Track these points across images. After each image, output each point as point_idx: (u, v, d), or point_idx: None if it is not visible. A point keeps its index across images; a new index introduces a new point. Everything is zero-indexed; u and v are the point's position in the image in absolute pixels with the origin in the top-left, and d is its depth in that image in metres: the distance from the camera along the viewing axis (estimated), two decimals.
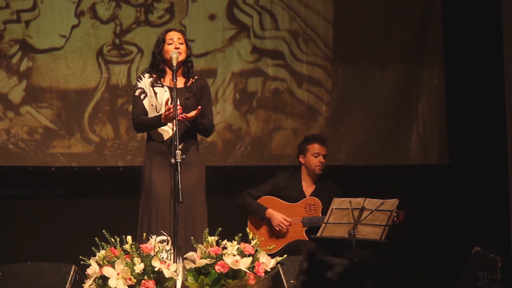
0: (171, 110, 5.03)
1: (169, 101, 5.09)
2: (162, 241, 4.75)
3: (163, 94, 5.26)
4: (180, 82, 5.31)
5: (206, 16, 7.23)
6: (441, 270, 7.27)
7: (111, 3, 7.04)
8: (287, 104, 7.40)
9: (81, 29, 6.98)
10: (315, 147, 6.21)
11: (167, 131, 5.24)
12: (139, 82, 5.33)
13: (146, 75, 5.34)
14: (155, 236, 4.79)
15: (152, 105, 5.27)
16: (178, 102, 5.10)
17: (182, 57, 5.26)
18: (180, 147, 5.02)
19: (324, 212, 5.98)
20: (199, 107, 5.15)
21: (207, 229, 4.86)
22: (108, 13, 7.04)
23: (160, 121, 5.17)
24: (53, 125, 6.92)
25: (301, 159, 6.27)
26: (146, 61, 6.82)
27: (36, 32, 6.89)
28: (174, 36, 5.31)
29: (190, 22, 7.17)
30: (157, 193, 5.15)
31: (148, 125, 5.29)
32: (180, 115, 5.05)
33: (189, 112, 5.16)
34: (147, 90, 5.29)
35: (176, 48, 5.24)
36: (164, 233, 4.82)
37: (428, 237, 7.36)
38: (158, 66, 5.32)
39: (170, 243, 4.78)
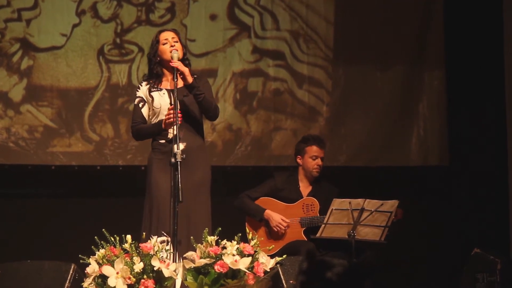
0: (171, 115, 5.02)
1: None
2: (162, 242, 4.75)
3: (160, 97, 5.26)
4: (179, 82, 5.26)
5: (207, 16, 7.23)
6: (441, 271, 7.26)
7: (112, 2, 7.04)
8: (288, 105, 7.40)
9: (82, 28, 6.98)
10: (314, 150, 6.17)
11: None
12: (138, 91, 5.35)
13: (144, 83, 5.34)
14: (156, 236, 4.79)
15: (153, 110, 5.28)
16: (178, 106, 5.08)
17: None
18: (183, 147, 5.00)
19: (321, 212, 5.97)
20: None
21: (206, 229, 4.85)
22: (109, 12, 7.04)
23: (160, 127, 5.17)
24: (53, 124, 6.92)
25: (298, 160, 6.24)
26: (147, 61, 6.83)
27: (37, 31, 6.89)
28: (168, 36, 5.29)
29: (191, 21, 7.17)
30: (159, 194, 5.15)
31: (147, 132, 5.31)
32: (175, 64, 5.07)
33: (188, 110, 5.16)
34: (145, 98, 5.30)
35: (171, 46, 5.22)
36: (165, 234, 4.82)
37: (427, 239, 7.36)
38: (153, 71, 5.30)
39: (170, 243, 4.77)
